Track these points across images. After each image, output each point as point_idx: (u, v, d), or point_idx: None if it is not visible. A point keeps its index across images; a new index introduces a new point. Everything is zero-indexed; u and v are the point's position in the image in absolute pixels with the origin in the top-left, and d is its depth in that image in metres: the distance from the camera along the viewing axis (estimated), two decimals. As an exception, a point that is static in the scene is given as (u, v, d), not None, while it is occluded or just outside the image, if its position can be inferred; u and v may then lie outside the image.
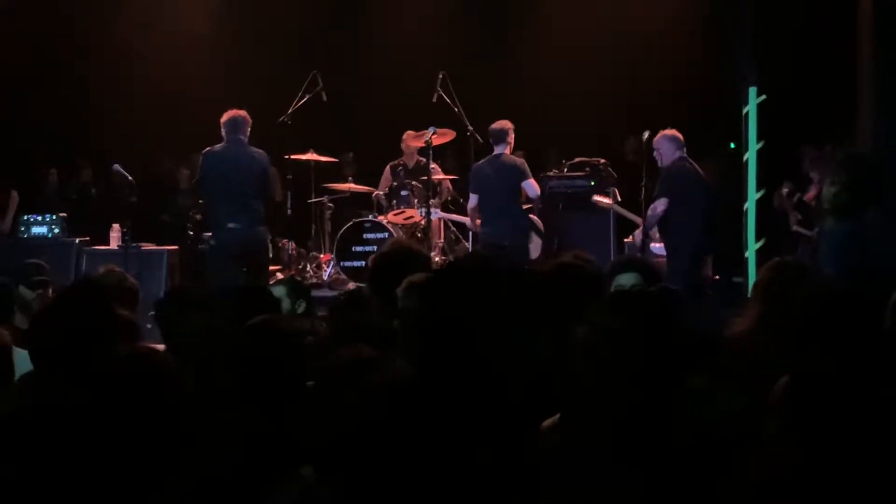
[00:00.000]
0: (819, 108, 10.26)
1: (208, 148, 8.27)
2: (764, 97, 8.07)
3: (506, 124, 9.00)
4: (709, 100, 11.06)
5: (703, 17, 11.61)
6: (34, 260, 6.44)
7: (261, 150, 8.33)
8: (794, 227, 9.54)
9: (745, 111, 8.12)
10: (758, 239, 8.58)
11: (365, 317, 4.22)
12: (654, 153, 8.26)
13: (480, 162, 9.14)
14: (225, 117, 8.12)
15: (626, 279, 4.37)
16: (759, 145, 8.13)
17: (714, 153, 11.36)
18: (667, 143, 8.20)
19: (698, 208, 8.10)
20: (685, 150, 8.25)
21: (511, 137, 8.98)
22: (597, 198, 9.41)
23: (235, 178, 8.07)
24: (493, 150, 9.06)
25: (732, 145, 10.44)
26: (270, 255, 8.89)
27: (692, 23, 11.75)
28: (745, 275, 8.73)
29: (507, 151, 9.01)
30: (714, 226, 8.27)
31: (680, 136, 8.24)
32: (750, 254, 8.64)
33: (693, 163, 8.30)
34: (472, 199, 9.12)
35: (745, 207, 8.30)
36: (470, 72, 11.50)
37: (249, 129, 8.19)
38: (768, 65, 8.22)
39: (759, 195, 8.23)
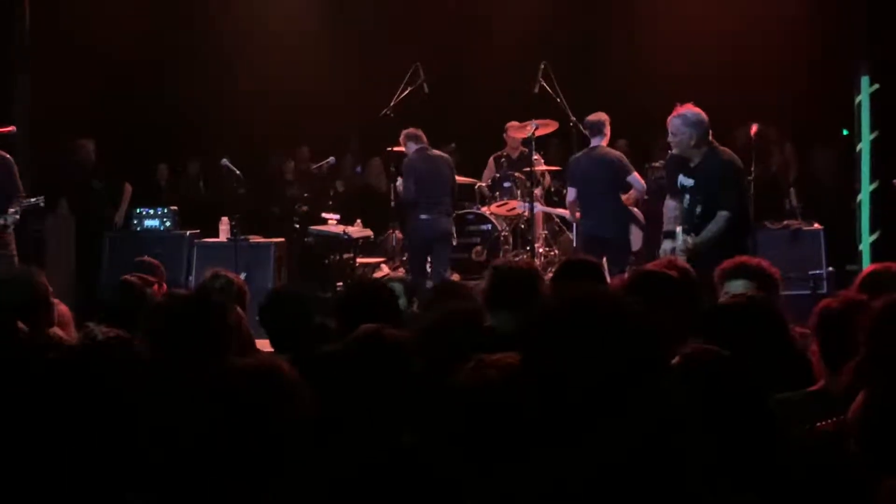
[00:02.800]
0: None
1: (407, 158, 9.76)
2: (877, 86, 7.80)
3: (602, 116, 8.85)
4: (821, 87, 10.75)
5: (814, 2, 11.28)
6: (146, 258, 6.62)
7: (446, 154, 10.12)
8: (911, 219, 9.22)
9: (857, 101, 7.87)
10: (872, 231, 8.34)
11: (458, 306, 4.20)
12: (673, 137, 6.80)
13: (577, 155, 9.02)
14: (411, 132, 9.74)
15: (736, 286, 4.22)
16: (873, 136, 7.87)
17: (828, 141, 11.07)
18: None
19: None
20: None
21: (608, 129, 8.83)
22: None
23: (432, 178, 9.64)
24: (589, 142, 8.96)
25: (846, 132, 10.15)
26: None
27: (804, 8, 11.41)
28: (858, 264, 8.50)
29: (604, 143, 8.90)
30: None
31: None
32: (864, 246, 8.41)
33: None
34: (571, 193, 9.02)
35: (858, 199, 8.07)
36: (573, 62, 11.39)
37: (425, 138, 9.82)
38: (882, 53, 7.93)
39: (873, 187, 7.98)
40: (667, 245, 6.83)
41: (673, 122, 6.68)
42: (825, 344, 3.48)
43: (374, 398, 2.88)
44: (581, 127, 9.69)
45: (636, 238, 9.30)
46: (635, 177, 8.91)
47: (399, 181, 9.97)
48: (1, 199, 7.98)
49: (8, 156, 8.13)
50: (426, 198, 9.64)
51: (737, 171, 6.76)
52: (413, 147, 9.74)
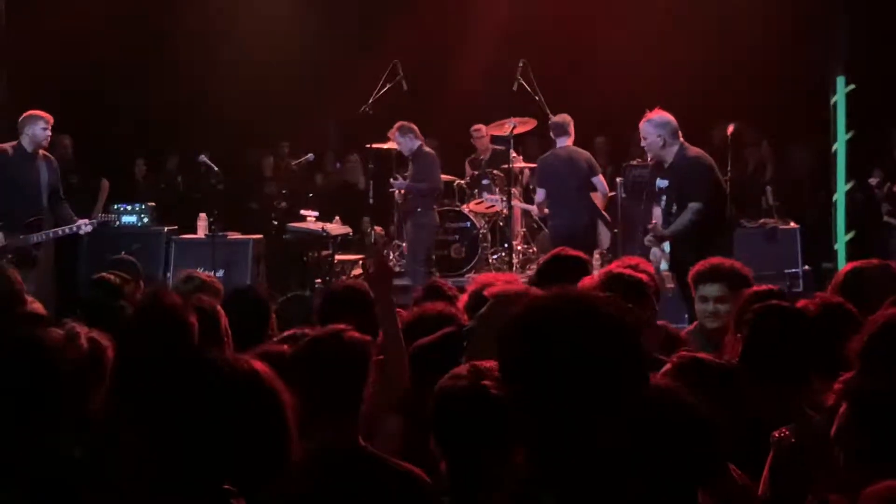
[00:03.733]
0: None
1: (427, 149, 9.86)
2: (852, 87, 7.85)
3: (565, 117, 9.04)
4: (797, 87, 10.79)
5: (791, 3, 11.32)
6: (123, 255, 6.61)
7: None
8: (886, 218, 9.30)
9: (832, 101, 7.92)
10: (848, 230, 8.40)
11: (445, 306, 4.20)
12: (644, 141, 7.05)
13: (545, 155, 9.15)
14: (407, 124, 9.72)
15: (711, 290, 4.25)
16: (849, 136, 7.93)
17: (804, 140, 11.13)
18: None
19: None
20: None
21: (572, 129, 9.01)
22: None
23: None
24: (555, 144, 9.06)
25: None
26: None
27: (780, 8, 11.45)
28: (834, 263, 8.56)
29: (569, 142, 8.99)
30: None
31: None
32: (840, 245, 8.47)
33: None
34: (540, 194, 9.13)
35: (834, 198, 8.12)
36: (552, 60, 11.39)
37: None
38: (858, 53, 7.98)
39: (848, 186, 8.04)
40: (655, 252, 6.96)
41: (643, 127, 6.96)
42: None
43: (333, 397, 2.91)
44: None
45: (604, 237, 9.38)
46: (600, 179, 9.03)
47: (397, 179, 10.08)
48: (48, 200, 8.00)
49: (52, 156, 8.18)
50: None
51: (706, 166, 6.90)
52: (416, 140, 9.77)
